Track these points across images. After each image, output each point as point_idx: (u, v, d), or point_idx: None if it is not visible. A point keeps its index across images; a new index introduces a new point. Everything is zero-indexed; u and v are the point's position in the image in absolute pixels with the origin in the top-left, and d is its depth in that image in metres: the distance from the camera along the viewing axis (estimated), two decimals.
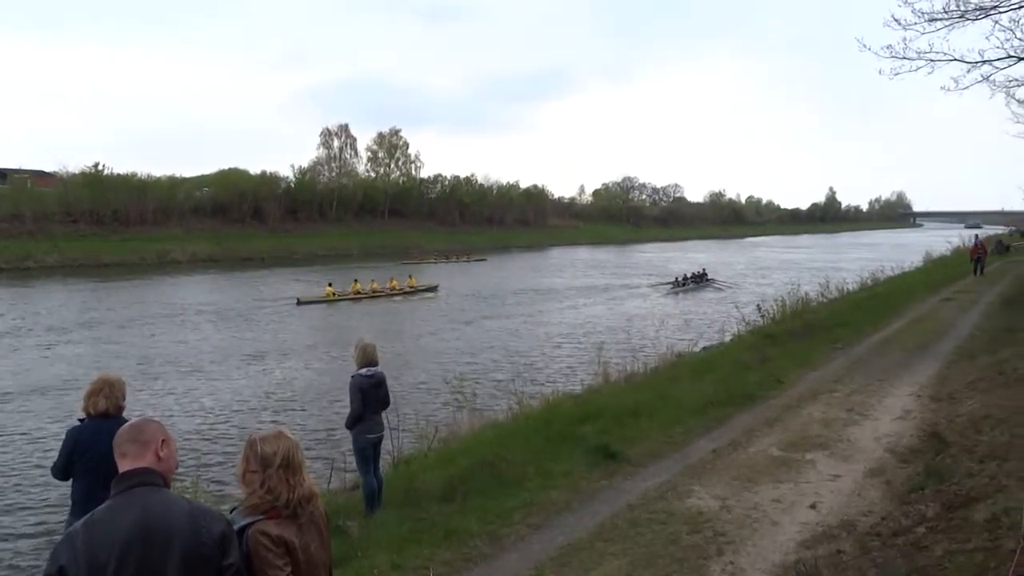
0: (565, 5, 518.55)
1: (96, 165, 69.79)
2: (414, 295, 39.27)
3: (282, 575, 2.73)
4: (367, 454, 7.64)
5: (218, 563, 2.53)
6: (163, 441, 2.69)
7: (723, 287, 42.33)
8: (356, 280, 39.46)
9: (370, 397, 7.54)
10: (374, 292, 38.53)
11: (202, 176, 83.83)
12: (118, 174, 70.34)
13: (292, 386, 18.12)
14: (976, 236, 39.81)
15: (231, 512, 2.87)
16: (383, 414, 7.92)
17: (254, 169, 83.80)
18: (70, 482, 5.06)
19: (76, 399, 4.81)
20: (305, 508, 2.88)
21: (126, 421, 4.52)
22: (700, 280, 43.64)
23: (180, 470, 9.91)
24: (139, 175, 72.71)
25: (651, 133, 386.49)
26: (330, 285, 37.60)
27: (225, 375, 19.42)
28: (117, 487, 2.54)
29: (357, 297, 37.31)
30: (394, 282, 40.51)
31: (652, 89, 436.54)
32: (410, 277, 42.49)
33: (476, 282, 46.73)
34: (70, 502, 5.10)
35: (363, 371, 7.56)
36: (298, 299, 35.67)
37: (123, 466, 2.59)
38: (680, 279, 43.18)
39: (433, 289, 41.36)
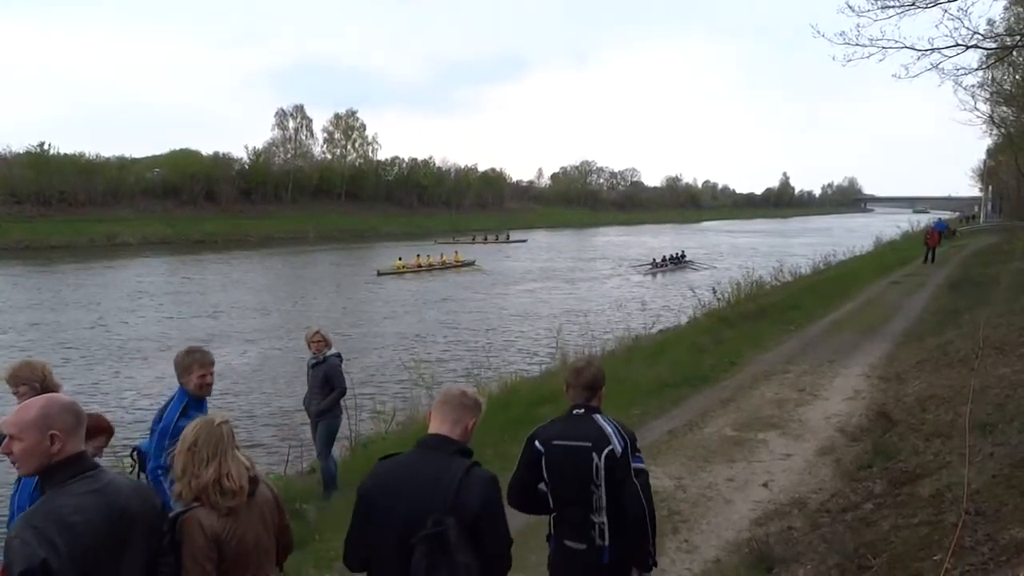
0: None
1: (42, 145, 68.03)
2: (461, 268, 45.24)
3: (210, 566, 2.74)
4: (336, 436, 7.78)
5: (159, 531, 2.64)
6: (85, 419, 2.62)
7: (701, 268, 43.09)
8: (419, 255, 45.37)
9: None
10: (431, 265, 44.10)
11: (153, 157, 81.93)
12: (65, 154, 68.70)
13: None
14: (940, 220, 40.26)
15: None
16: None
17: (207, 150, 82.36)
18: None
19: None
20: (234, 497, 2.82)
21: None
22: (679, 261, 44.59)
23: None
24: (87, 155, 71.06)
25: (609, 117, 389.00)
26: (399, 259, 43.00)
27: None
28: (68, 472, 2.43)
29: (418, 269, 42.56)
30: (444, 257, 46.74)
31: (610, 73, 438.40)
32: (456, 253, 48.42)
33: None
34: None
35: (334, 352, 7.66)
36: (377, 271, 40.90)
37: (72, 447, 2.45)
38: (659, 260, 43.83)
39: (472, 263, 46.56)
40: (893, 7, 11.69)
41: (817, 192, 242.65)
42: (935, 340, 12.54)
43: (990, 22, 15.85)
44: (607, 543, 3.40)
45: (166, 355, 19.49)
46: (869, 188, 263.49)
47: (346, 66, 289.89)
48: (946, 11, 11.82)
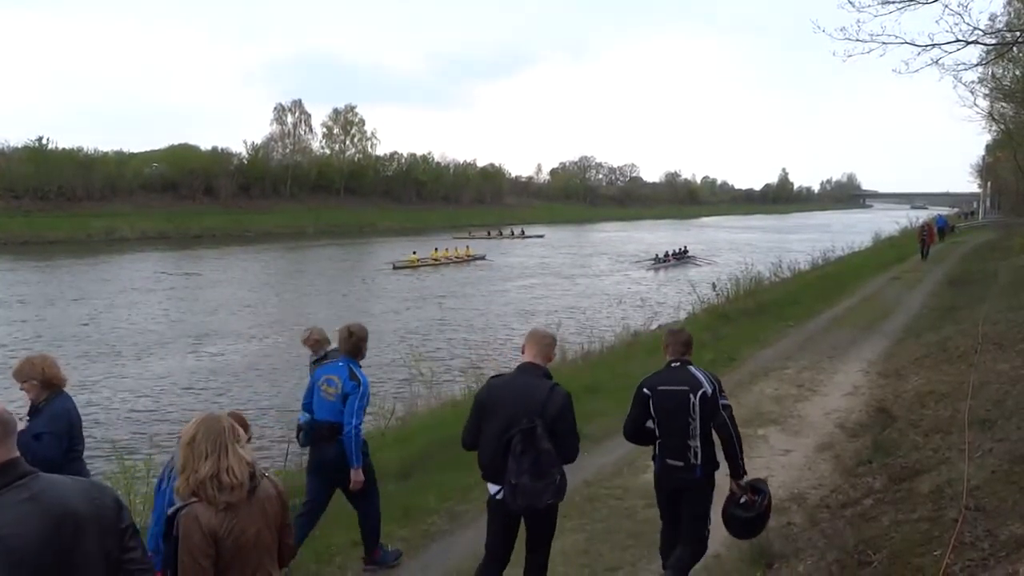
0: None
1: (40, 139, 67.89)
2: (471, 262, 46.48)
3: (207, 562, 2.73)
4: None
5: (117, 528, 2.46)
6: (15, 426, 2.45)
7: (702, 263, 43.09)
8: (436, 248, 47.27)
9: None
10: (446, 258, 45.54)
11: (152, 152, 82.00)
12: (63, 149, 68.61)
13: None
14: (940, 216, 39.85)
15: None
16: None
17: (205, 145, 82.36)
18: None
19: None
20: (232, 492, 2.80)
21: (68, 396, 4.45)
22: (681, 257, 44.88)
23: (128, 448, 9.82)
24: (86, 150, 71.03)
25: (608, 113, 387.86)
26: (414, 253, 44.73)
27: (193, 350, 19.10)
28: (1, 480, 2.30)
29: (435, 263, 43.90)
30: (458, 250, 48.38)
31: (609, 68, 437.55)
32: (467, 248, 50.16)
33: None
34: None
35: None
36: (393, 264, 41.78)
37: None
38: (662, 256, 44.12)
39: (482, 257, 48.06)
40: (894, 2, 11.63)
41: (816, 188, 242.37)
42: (934, 336, 12.55)
43: (991, 17, 15.77)
44: (699, 462, 4.57)
45: (164, 350, 19.52)
46: (868, 184, 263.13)
47: (345, 61, 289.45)
48: (947, 6, 11.78)
